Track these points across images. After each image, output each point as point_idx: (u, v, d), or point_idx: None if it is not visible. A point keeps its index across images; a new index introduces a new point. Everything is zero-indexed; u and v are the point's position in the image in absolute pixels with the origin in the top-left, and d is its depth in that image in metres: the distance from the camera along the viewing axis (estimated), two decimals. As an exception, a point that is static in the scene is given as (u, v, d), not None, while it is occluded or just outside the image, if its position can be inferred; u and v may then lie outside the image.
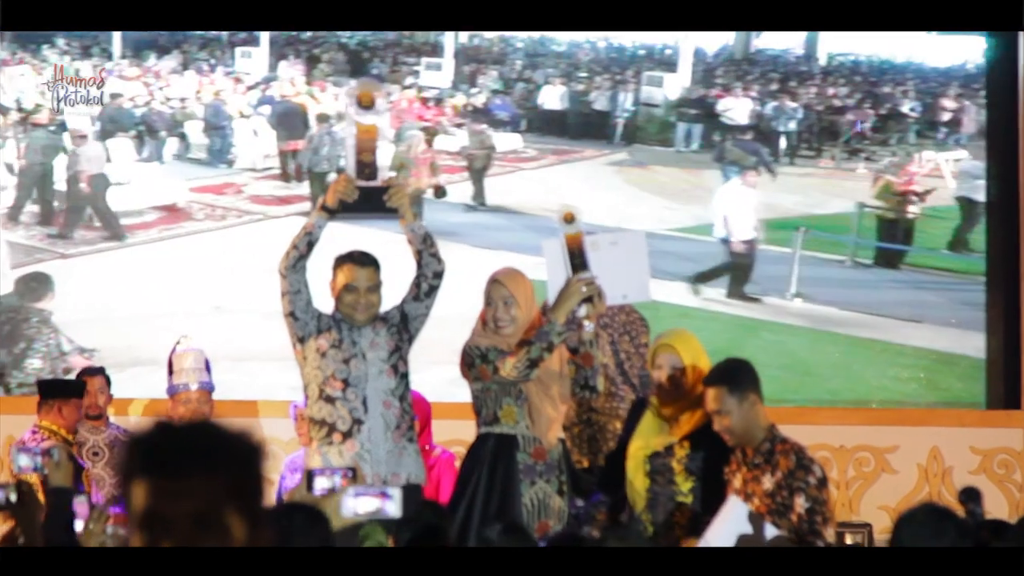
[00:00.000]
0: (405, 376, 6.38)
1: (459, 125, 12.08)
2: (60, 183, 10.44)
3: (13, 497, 4.76)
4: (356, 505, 4.56)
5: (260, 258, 8.94)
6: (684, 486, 5.99)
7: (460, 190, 11.29)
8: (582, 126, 12.87)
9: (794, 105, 13.60)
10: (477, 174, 11.49)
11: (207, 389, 7.18)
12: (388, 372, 6.31)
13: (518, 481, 6.25)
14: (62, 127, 10.76)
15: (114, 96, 11.12)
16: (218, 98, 11.42)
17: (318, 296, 6.36)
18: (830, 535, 5.73)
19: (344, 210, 6.22)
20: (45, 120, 10.54)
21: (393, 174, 6.46)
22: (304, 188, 11.00)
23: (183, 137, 11.28)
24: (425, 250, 6.31)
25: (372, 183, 6.20)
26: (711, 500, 5.79)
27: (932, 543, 4.13)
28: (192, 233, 10.56)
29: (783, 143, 13.05)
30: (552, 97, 12.80)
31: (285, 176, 11.12)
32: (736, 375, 5.82)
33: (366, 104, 6.17)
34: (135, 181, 10.73)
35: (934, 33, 11.96)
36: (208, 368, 7.19)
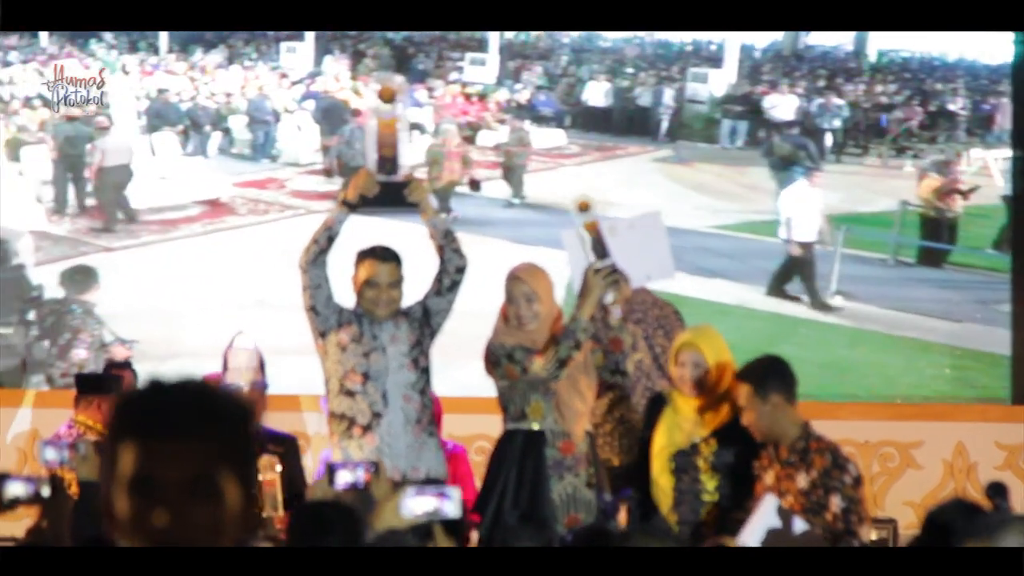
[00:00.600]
0: (426, 370, 6.39)
1: (502, 121, 12.16)
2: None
3: (45, 491, 4.67)
4: (415, 505, 4.50)
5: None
6: (710, 484, 5.97)
7: (498, 185, 11.37)
8: (626, 122, 12.92)
9: (840, 102, 13.58)
10: (515, 171, 11.54)
11: (259, 388, 7.06)
12: (409, 366, 6.32)
13: (547, 476, 6.23)
14: (109, 120, 10.93)
15: (161, 91, 11.29)
16: (261, 93, 11.55)
17: (340, 290, 6.40)
18: (865, 534, 5.70)
19: (364, 205, 6.21)
20: (88, 115, 10.70)
21: (411, 169, 6.41)
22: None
23: (227, 132, 11.42)
24: (447, 245, 6.30)
25: (393, 178, 6.19)
26: (738, 497, 5.85)
27: (962, 539, 3.99)
28: (235, 228, 10.68)
29: (828, 140, 13.05)
30: (596, 93, 12.85)
31: (328, 171, 11.24)
32: (764, 376, 5.79)
33: (387, 99, 6.16)
34: (179, 176, 10.87)
35: (967, 32, 11.92)
36: (263, 366, 7.10)
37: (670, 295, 10.72)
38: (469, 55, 12.42)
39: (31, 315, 9.68)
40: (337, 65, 11.87)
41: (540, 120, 12.41)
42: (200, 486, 2.16)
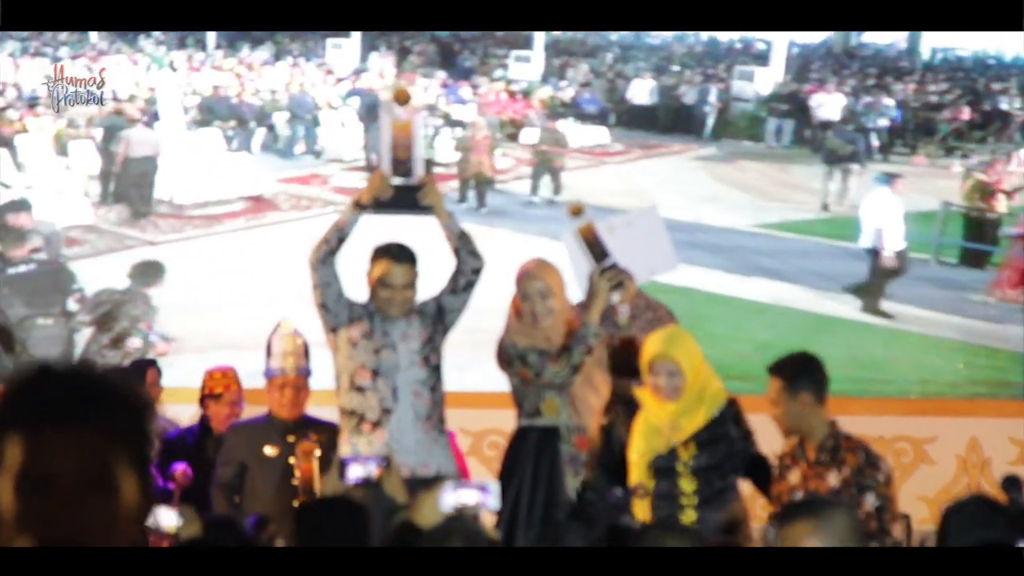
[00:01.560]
0: (437, 368, 6.38)
1: (547, 118, 12.32)
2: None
3: None
4: (456, 499, 4.55)
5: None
6: (688, 487, 5.91)
7: (528, 183, 11.55)
8: (671, 120, 13.04)
9: (889, 102, 13.64)
10: (550, 170, 11.69)
11: (304, 374, 6.97)
12: (419, 363, 6.30)
13: (563, 472, 6.25)
14: (156, 116, 11.21)
15: (215, 87, 11.54)
16: (303, 90, 11.78)
17: (355, 285, 6.50)
18: (897, 532, 5.73)
19: (378, 207, 6.20)
20: (137, 110, 10.98)
21: (426, 172, 6.47)
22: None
23: (271, 128, 11.65)
24: (462, 247, 6.28)
25: (407, 181, 6.20)
26: (713, 499, 5.85)
27: (981, 534, 4.08)
28: (277, 223, 10.90)
29: (874, 139, 13.11)
30: (641, 91, 12.98)
31: (370, 167, 11.46)
32: (796, 373, 5.76)
33: (402, 101, 6.16)
34: (223, 171, 11.12)
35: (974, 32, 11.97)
36: (307, 352, 7.01)
37: (704, 293, 10.93)
38: (514, 52, 12.58)
39: (71, 305, 9.93)
40: (382, 62, 12.07)
41: (584, 117, 12.55)
42: (95, 479, 1.99)
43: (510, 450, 6.34)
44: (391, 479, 5.22)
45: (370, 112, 11.75)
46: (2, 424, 2.02)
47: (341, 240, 6.20)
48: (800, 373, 5.71)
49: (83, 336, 10.02)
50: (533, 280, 6.26)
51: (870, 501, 5.55)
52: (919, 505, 8.35)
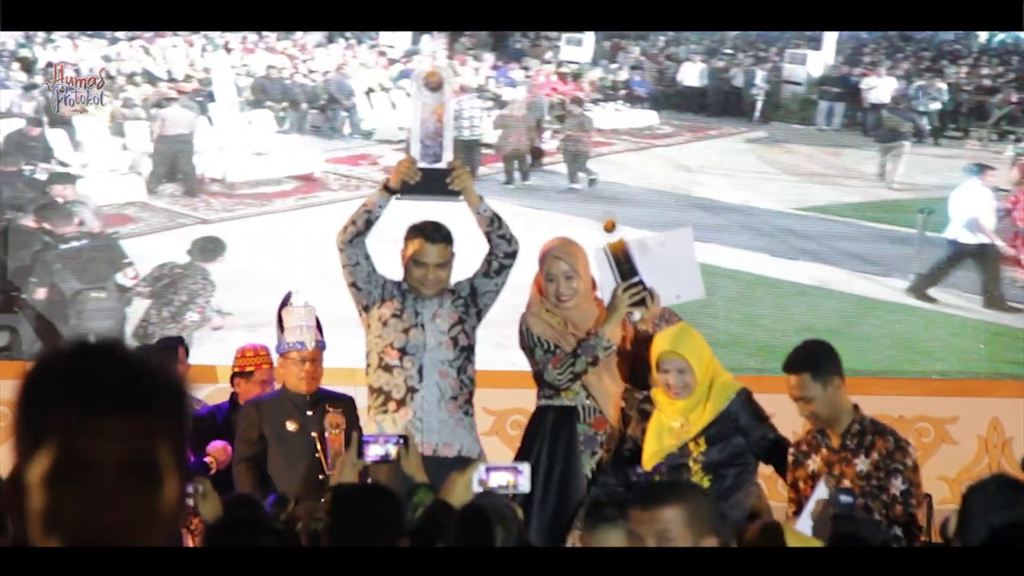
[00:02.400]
0: (467, 349, 6.42)
1: (595, 101, 12.52)
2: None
3: None
4: (489, 480, 4.67)
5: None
6: (702, 483, 5.96)
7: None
8: (722, 104, 13.18)
9: (942, 85, 13.70)
10: (578, 157, 11.80)
11: (321, 348, 7.06)
12: (447, 344, 6.36)
13: (578, 452, 6.33)
14: (210, 97, 11.52)
15: (269, 68, 11.84)
16: (342, 72, 12.03)
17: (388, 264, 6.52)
18: (922, 517, 5.81)
19: (407, 191, 6.29)
20: (190, 90, 11.31)
21: (455, 157, 6.59)
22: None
23: (323, 109, 11.93)
24: (493, 232, 6.34)
25: (436, 165, 6.27)
26: (724, 492, 5.95)
27: (1004, 515, 4.07)
28: (327, 203, 11.16)
29: (926, 123, 13.18)
30: (691, 74, 13.13)
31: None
32: (818, 360, 5.81)
33: (433, 86, 6.28)
34: (274, 151, 11.42)
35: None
36: (320, 326, 7.08)
37: (749, 275, 11.11)
38: (565, 35, 12.76)
39: (121, 279, 10.28)
40: (434, 43, 12.30)
41: (634, 100, 12.73)
42: (137, 470, 1.80)
43: (528, 428, 6.51)
44: (410, 458, 5.32)
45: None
46: (32, 408, 1.82)
47: (369, 223, 6.33)
48: (822, 360, 5.82)
49: (135, 309, 10.34)
50: (558, 262, 6.35)
51: (897, 484, 5.67)
52: (940, 485, 8.50)
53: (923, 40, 15.23)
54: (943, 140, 13.24)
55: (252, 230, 10.94)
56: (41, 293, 10.22)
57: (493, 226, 6.36)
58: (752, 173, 12.12)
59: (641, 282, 6.24)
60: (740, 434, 6.05)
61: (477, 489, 4.70)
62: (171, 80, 11.52)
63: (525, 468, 4.70)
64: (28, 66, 11.20)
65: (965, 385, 9.27)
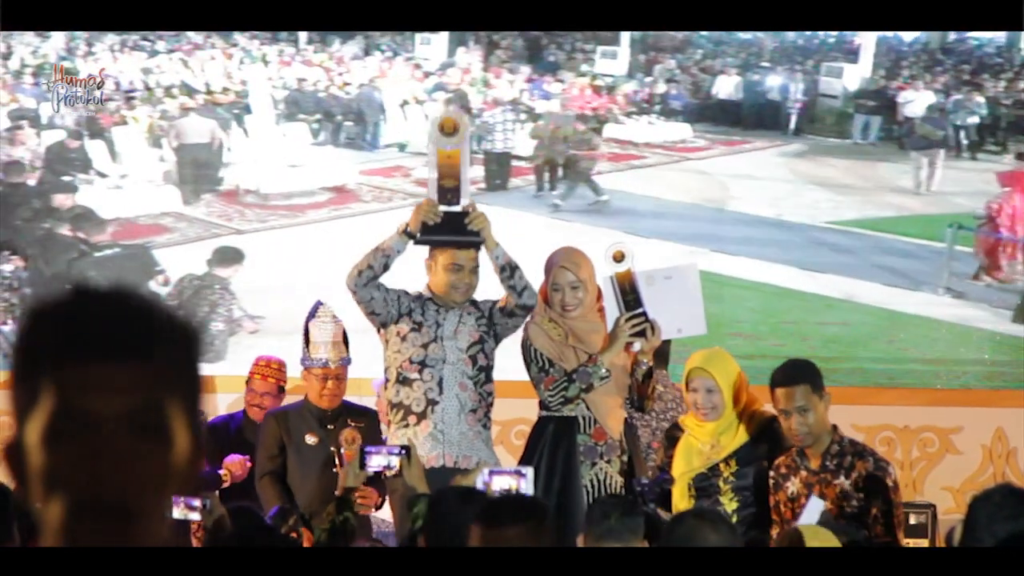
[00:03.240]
0: (484, 369, 6.48)
1: (629, 114, 12.73)
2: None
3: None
4: (492, 484, 4.75)
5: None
6: (730, 506, 6.05)
7: (603, 178, 11.97)
8: (756, 116, 13.32)
9: (980, 99, 13.78)
10: (580, 174, 11.94)
11: (345, 364, 7.10)
12: (466, 361, 6.44)
13: (578, 462, 6.40)
14: (246, 109, 11.82)
15: (301, 80, 12.13)
16: (372, 85, 12.30)
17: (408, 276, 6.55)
18: (902, 537, 5.82)
19: (426, 234, 6.33)
20: (227, 101, 11.62)
21: (472, 200, 6.57)
22: (472, 172, 11.83)
23: (357, 121, 12.20)
24: (504, 280, 6.39)
25: (454, 208, 6.32)
26: (756, 517, 6.00)
27: (1009, 525, 4.07)
28: (359, 214, 11.44)
29: (963, 137, 13.27)
30: (727, 86, 13.30)
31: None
32: (814, 374, 5.86)
33: (449, 131, 6.31)
34: (309, 163, 11.70)
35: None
36: (346, 340, 7.08)
37: (776, 288, 11.26)
38: (600, 48, 12.96)
39: (154, 287, 10.58)
40: (469, 56, 12.55)
41: (669, 113, 12.92)
42: (146, 423, 1.68)
43: (530, 438, 6.58)
44: (412, 469, 5.36)
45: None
46: (30, 357, 1.71)
47: (386, 267, 6.38)
48: (817, 375, 5.88)
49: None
50: (565, 272, 6.47)
51: (879, 506, 5.69)
52: (944, 495, 8.62)
53: (963, 53, 15.33)
54: (980, 155, 13.33)
55: (286, 240, 11.21)
56: (77, 301, 10.54)
57: (504, 274, 6.41)
58: (784, 186, 12.28)
59: (644, 313, 6.36)
60: (764, 461, 6.08)
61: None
62: (209, 92, 11.81)
63: (528, 472, 4.80)
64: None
65: (969, 395, 9.40)
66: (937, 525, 7.37)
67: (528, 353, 6.51)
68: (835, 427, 5.88)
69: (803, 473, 5.87)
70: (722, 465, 6.09)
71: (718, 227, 11.66)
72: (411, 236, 6.35)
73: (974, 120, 13.56)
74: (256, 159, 11.54)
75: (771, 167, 12.58)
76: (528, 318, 6.55)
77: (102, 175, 11.33)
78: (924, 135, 12.62)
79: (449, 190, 6.33)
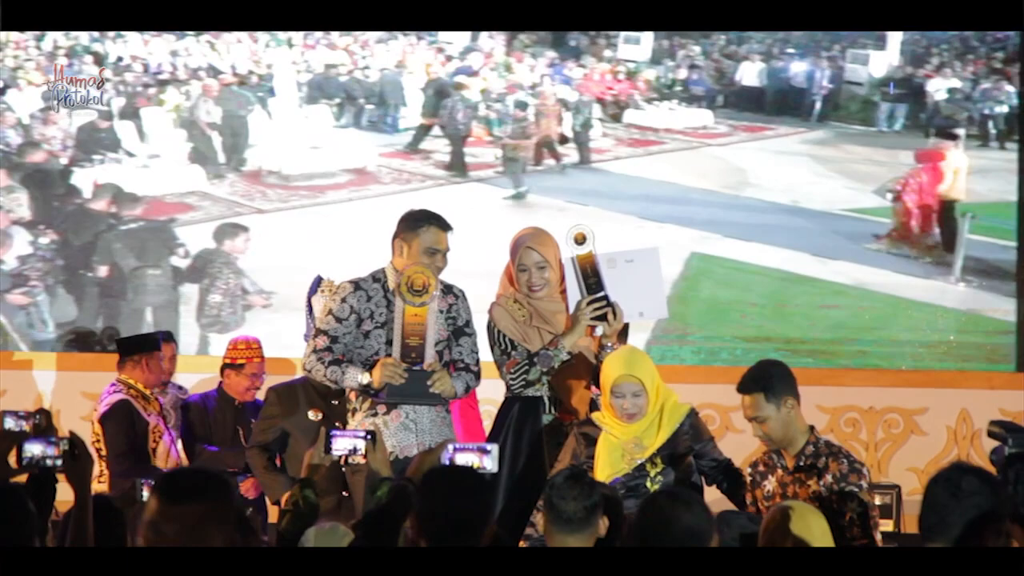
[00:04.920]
0: (448, 363, 6.71)
1: (650, 100, 13.09)
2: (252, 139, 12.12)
3: (64, 446, 4.66)
4: (456, 460, 4.85)
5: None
6: None
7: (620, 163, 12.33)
8: (779, 103, 13.54)
9: (1010, 89, 13.96)
10: (516, 162, 12.26)
11: None
12: (432, 356, 6.64)
13: (543, 442, 6.62)
14: (271, 92, 12.37)
15: (329, 66, 12.65)
16: (395, 69, 12.78)
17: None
18: (879, 538, 5.86)
19: (391, 393, 6.50)
20: (253, 84, 12.20)
21: (434, 360, 6.76)
22: (487, 155, 12.31)
23: (379, 104, 12.69)
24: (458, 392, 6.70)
25: (417, 367, 6.49)
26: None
27: (966, 502, 4.19)
28: (378, 196, 11.96)
29: (991, 127, 13.45)
30: (750, 73, 13.58)
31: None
32: (771, 380, 5.95)
33: (418, 288, 6.46)
34: (330, 145, 12.25)
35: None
36: None
37: (783, 273, 11.61)
38: (623, 33, 13.24)
39: (174, 260, 11.30)
40: (491, 41, 12.94)
41: (691, 99, 13.25)
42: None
43: (496, 419, 6.87)
44: (376, 454, 5.46)
45: (437, 93, 12.63)
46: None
47: (342, 392, 6.78)
48: (776, 380, 5.98)
49: (188, 290, 11.35)
50: (531, 252, 6.74)
51: (854, 507, 5.79)
52: (909, 476, 8.79)
53: (995, 42, 15.51)
54: (1008, 144, 13.52)
55: (305, 220, 11.76)
56: (103, 271, 11.46)
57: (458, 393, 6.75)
58: (804, 173, 12.54)
59: (606, 296, 6.59)
60: (693, 454, 6.30)
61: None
62: (235, 74, 12.36)
63: (493, 448, 4.93)
64: (99, 60, 12.14)
65: (934, 376, 9.49)
66: (902, 506, 7.54)
67: (492, 335, 6.83)
68: (812, 428, 6.00)
69: (779, 472, 6.02)
70: (648, 465, 6.20)
71: (731, 213, 12.00)
72: (373, 394, 6.59)
73: (1003, 109, 13.73)
74: (279, 141, 12.09)
75: (792, 154, 12.77)
76: (493, 299, 6.90)
77: (130, 155, 11.95)
78: (948, 115, 12.87)
79: (413, 348, 6.50)
